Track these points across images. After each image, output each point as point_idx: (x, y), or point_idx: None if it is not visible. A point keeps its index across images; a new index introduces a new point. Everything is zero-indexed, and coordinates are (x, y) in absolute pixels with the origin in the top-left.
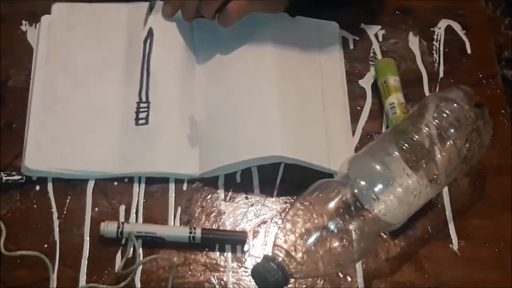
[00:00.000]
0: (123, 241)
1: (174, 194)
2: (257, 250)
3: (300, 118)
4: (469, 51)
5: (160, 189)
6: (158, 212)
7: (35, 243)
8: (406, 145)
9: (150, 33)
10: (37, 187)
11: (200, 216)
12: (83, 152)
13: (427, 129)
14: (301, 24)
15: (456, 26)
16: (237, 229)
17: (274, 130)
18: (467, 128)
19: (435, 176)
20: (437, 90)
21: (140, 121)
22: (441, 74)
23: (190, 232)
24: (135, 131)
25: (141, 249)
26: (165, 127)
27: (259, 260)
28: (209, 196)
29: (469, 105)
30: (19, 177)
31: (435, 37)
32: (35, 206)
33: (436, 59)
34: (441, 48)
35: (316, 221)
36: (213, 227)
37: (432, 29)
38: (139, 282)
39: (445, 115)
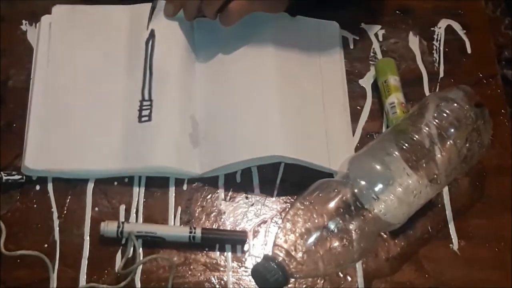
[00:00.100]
0: (123, 241)
1: (174, 194)
2: (257, 250)
3: (300, 118)
4: (469, 51)
5: (160, 189)
6: (158, 212)
7: (35, 243)
8: (406, 144)
9: (152, 34)
10: (37, 187)
11: (200, 216)
12: (84, 151)
13: (427, 128)
14: (301, 24)
15: (456, 26)
16: (237, 229)
17: (274, 129)
18: (467, 128)
19: (435, 176)
20: (437, 90)
21: (143, 118)
22: (441, 74)
23: (190, 232)
24: (138, 128)
25: (141, 249)
26: (168, 125)
27: (259, 260)
28: (209, 196)
29: (469, 105)
30: (19, 177)
31: (435, 37)
32: (35, 206)
33: (436, 59)
34: (441, 48)
35: (316, 220)
36: (213, 227)
37: (432, 29)
38: (139, 282)
39: (445, 115)
